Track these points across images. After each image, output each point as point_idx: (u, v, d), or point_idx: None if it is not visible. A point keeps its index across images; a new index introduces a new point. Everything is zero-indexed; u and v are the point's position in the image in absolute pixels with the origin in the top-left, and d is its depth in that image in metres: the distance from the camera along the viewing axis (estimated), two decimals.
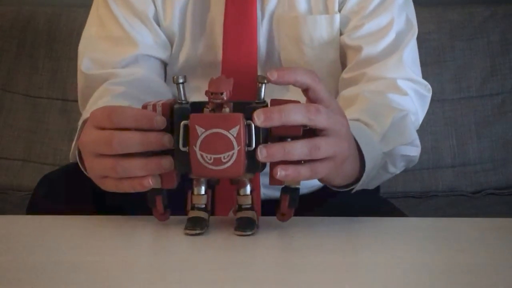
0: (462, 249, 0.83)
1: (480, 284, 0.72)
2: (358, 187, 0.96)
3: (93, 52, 1.16)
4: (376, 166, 0.98)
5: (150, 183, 0.82)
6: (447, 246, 0.84)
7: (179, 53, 1.16)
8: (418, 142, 1.10)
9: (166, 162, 0.82)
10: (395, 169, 1.05)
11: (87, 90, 1.15)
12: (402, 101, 1.10)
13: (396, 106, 1.08)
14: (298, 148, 0.79)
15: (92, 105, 1.08)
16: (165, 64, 1.19)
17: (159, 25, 1.17)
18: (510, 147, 1.85)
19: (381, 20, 1.14)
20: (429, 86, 1.17)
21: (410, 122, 1.08)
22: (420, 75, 1.18)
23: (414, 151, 1.08)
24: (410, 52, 1.16)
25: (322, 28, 1.14)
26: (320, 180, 0.89)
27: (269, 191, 1.09)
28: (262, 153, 0.79)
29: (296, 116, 0.79)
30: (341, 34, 1.16)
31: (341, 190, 0.96)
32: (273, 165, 0.84)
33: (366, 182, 0.97)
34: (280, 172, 0.80)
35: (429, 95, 1.17)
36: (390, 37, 1.14)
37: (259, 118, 0.78)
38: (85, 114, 1.10)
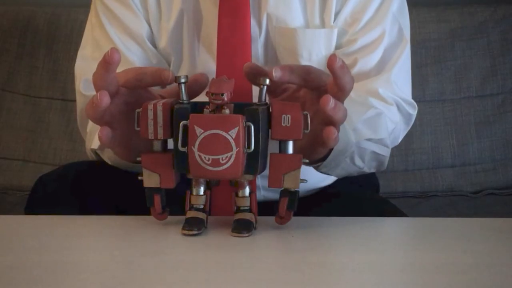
0: (462, 249, 0.83)
1: (480, 284, 0.72)
2: (323, 165, 0.97)
3: (90, 74, 1.15)
4: (344, 152, 0.98)
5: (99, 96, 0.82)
6: (447, 246, 0.84)
7: (177, 73, 1.14)
8: (388, 142, 1.10)
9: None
10: (363, 164, 1.06)
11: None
12: (381, 107, 1.11)
13: (373, 106, 1.09)
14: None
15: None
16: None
17: (154, 46, 1.16)
18: (510, 147, 1.85)
19: (374, 33, 1.14)
20: (415, 104, 1.17)
21: (384, 121, 1.09)
22: (409, 93, 1.18)
23: (383, 150, 1.09)
24: (400, 70, 1.15)
25: (320, 42, 1.13)
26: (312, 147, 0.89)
27: (268, 193, 1.09)
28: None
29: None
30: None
31: (311, 165, 0.98)
32: (273, 167, 0.84)
33: (332, 166, 0.98)
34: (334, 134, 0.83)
35: (414, 113, 1.17)
36: (379, 52, 1.14)
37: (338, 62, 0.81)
38: (88, 140, 1.12)
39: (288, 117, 0.84)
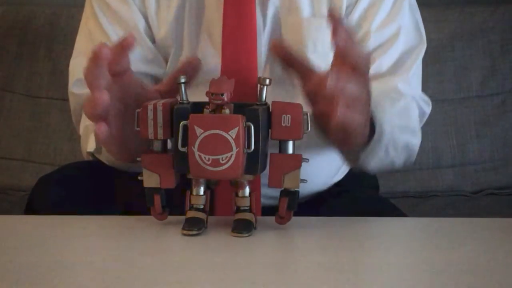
0: (462, 249, 0.83)
1: (480, 284, 0.72)
2: (363, 155, 0.97)
3: (82, 73, 1.14)
4: (379, 143, 0.98)
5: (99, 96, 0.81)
6: (447, 246, 0.84)
7: (176, 64, 1.12)
8: (419, 132, 1.12)
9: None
10: (396, 154, 1.05)
11: (79, 107, 1.15)
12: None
13: (400, 97, 1.10)
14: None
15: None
16: (156, 79, 1.14)
17: (152, 39, 1.14)
18: (510, 147, 1.85)
19: (389, 30, 1.13)
20: (429, 101, 1.18)
21: (414, 111, 1.10)
22: (420, 89, 1.18)
23: (414, 141, 1.11)
24: (416, 71, 1.15)
25: (325, 33, 1.10)
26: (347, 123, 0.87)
27: (267, 200, 1.07)
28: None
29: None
30: None
31: (353, 153, 0.98)
32: (273, 167, 0.84)
33: (369, 158, 0.98)
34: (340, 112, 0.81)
35: (428, 110, 1.17)
36: (396, 50, 1.13)
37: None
38: (83, 142, 1.12)
39: (288, 117, 0.84)
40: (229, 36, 1.09)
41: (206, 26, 1.12)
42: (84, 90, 1.13)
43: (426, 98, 1.17)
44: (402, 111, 1.08)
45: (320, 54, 1.10)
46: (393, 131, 1.02)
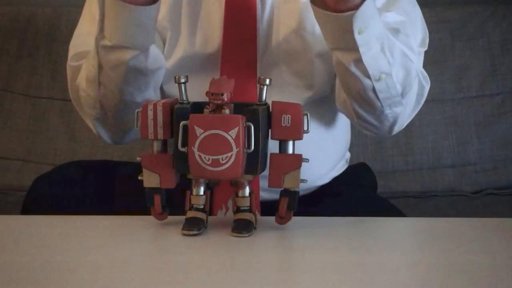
0: (462, 249, 0.83)
1: (480, 284, 0.72)
2: (358, 15, 0.94)
3: (82, 47, 1.13)
4: (373, 18, 0.96)
5: None
6: (447, 246, 0.84)
7: (174, 48, 1.13)
8: (415, 48, 1.10)
9: None
10: (392, 59, 1.02)
11: (75, 78, 1.15)
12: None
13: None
14: None
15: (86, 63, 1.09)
16: None
17: None
18: (510, 147, 1.85)
19: (392, 15, 1.11)
20: (428, 79, 1.15)
21: (409, 28, 1.11)
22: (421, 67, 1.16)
23: (411, 55, 1.07)
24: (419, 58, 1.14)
25: None
26: None
27: (266, 194, 1.08)
28: None
29: None
30: None
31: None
32: (273, 167, 0.84)
33: (367, 32, 0.96)
34: None
35: (427, 86, 1.13)
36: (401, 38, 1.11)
37: None
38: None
39: (288, 117, 0.84)
40: (230, 23, 1.09)
41: (204, 13, 1.12)
42: (80, 62, 1.14)
43: (425, 74, 1.15)
44: (397, 22, 1.08)
45: (318, 36, 1.10)
46: (386, 32, 1.00)
